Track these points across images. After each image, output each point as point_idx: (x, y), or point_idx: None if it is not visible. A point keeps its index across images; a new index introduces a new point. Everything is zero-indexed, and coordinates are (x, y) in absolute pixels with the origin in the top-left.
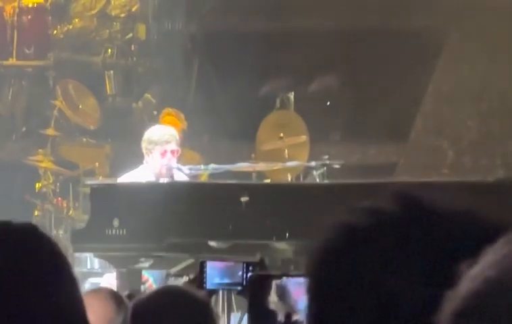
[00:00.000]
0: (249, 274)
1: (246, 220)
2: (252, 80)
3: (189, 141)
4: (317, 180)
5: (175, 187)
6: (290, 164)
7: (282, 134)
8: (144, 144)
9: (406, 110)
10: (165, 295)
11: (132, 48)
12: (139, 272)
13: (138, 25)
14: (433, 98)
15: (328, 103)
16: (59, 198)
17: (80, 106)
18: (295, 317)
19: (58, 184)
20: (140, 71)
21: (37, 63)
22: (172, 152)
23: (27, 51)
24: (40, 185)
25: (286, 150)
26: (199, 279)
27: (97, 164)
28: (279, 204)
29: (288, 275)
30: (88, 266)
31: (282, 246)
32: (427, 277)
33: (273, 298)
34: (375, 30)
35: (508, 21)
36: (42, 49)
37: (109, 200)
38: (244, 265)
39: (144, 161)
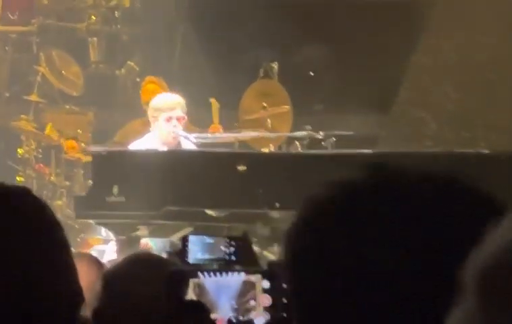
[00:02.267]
0: (171, 270)
1: (244, 189)
2: (236, 49)
3: None
4: (299, 150)
5: (174, 155)
6: (298, 134)
7: (265, 104)
8: (150, 112)
9: (389, 81)
10: (135, 262)
11: (116, 15)
12: (138, 239)
13: None
14: (415, 69)
15: (312, 74)
16: (41, 164)
17: (63, 73)
18: (213, 316)
19: (40, 150)
20: (124, 38)
21: (21, 29)
22: (178, 118)
23: (11, 17)
24: (22, 151)
25: (269, 120)
26: (182, 254)
27: (80, 131)
28: (277, 173)
29: (203, 271)
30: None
31: (279, 215)
32: (401, 246)
33: (190, 296)
34: (359, 2)
35: None
36: (26, 15)
37: (109, 167)
38: (227, 240)
39: (151, 129)
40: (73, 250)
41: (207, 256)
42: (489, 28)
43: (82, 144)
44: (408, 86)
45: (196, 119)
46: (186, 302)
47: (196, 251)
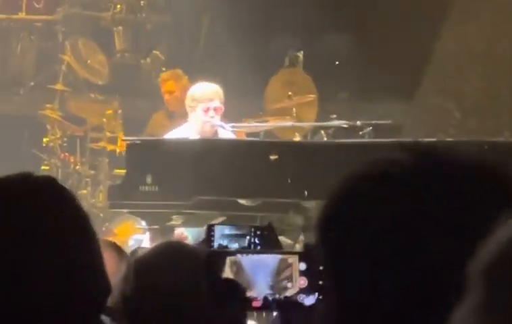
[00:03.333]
0: (208, 251)
1: (276, 178)
2: (261, 38)
3: None
4: (325, 139)
5: (206, 144)
6: (335, 123)
7: (290, 93)
8: (187, 102)
9: (413, 69)
10: (166, 250)
11: (142, 4)
12: (172, 229)
13: None
14: (439, 57)
15: (337, 63)
16: (66, 153)
17: (89, 62)
18: (250, 293)
19: (65, 139)
20: (149, 27)
21: (46, 18)
22: (215, 109)
23: (36, 6)
24: (47, 139)
25: (294, 109)
26: (207, 243)
27: (105, 120)
28: (309, 162)
29: (242, 252)
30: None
31: (311, 204)
32: (447, 228)
33: (227, 275)
34: None
35: None
36: (51, 4)
37: (143, 157)
38: (252, 230)
39: (188, 119)
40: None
41: (232, 245)
42: None
43: (107, 133)
44: (433, 73)
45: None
46: (221, 281)
47: (221, 240)
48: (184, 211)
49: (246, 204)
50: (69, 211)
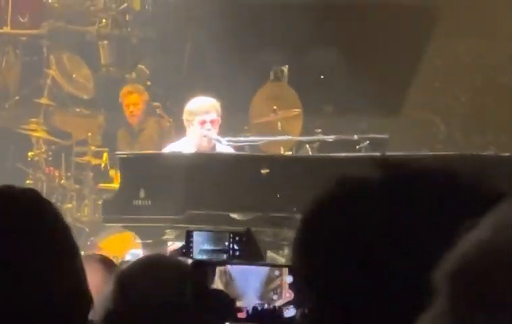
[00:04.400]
0: (197, 261)
1: (267, 192)
2: (246, 52)
3: (182, 113)
4: (310, 153)
5: (199, 158)
6: (329, 137)
7: (275, 107)
8: (184, 116)
9: (400, 84)
10: (149, 263)
11: (127, 18)
12: (165, 243)
13: None
14: (426, 72)
15: (322, 76)
16: (51, 168)
17: (74, 76)
18: (239, 303)
19: (50, 153)
20: (134, 41)
21: (31, 32)
22: (212, 121)
23: (21, 20)
24: (32, 154)
25: (279, 123)
26: (186, 248)
27: (90, 134)
28: (300, 176)
29: (231, 263)
30: None
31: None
32: (428, 236)
33: (217, 285)
34: (370, 4)
35: None
36: (36, 18)
37: (136, 171)
38: (231, 235)
39: (186, 134)
40: (82, 253)
41: (210, 248)
42: (500, 31)
43: (92, 148)
44: (419, 88)
45: None
46: (209, 291)
47: (201, 243)
48: (176, 225)
49: (238, 218)
50: (51, 224)
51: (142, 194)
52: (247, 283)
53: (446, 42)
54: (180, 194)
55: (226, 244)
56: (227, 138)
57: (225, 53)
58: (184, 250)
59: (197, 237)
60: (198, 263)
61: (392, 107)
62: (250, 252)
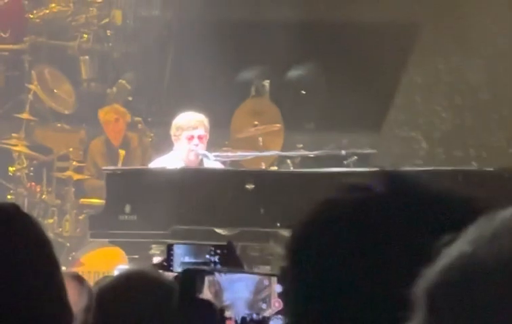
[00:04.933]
0: (186, 269)
1: (253, 207)
2: (227, 68)
3: (163, 128)
4: (291, 168)
5: (184, 173)
6: (318, 152)
7: (256, 122)
8: (172, 131)
9: (381, 100)
10: (129, 279)
11: (108, 33)
12: (150, 258)
13: (114, 10)
14: (407, 89)
15: (303, 92)
16: (33, 183)
17: (55, 91)
18: (228, 313)
19: (32, 168)
20: (116, 56)
21: (13, 47)
22: (200, 137)
23: (3, 35)
24: (13, 169)
25: (260, 139)
26: (167, 262)
27: (71, 149)
28: (285, 191)
29: (220, 271)
30: None
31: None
32: (409, 254)
33: (206, 294)
34: (351, 21)
35: (481, 15)
36: (18, 33)
37: (122, 186)
38: (212, 249)
39: (174, 148)
40: (64, 268)
41: (191, 260)
42: (481, 49)
43: (74, 163)
44: (400, 105)
45: None
46: (197, 301)
47: (181, 256)
48: (161, 241)
49: (223, 233)
50: (32, 239)
51: (127, 209)
52: (236, 293)
53: (427, 59)
54: (165, 209)
55: (207, 256)
56: (215, 153)
57: (207, 68)
58: (164, 264)
59: (178, 250)
60: (188, 271)
61: (373, 124)
62: (231, 265)
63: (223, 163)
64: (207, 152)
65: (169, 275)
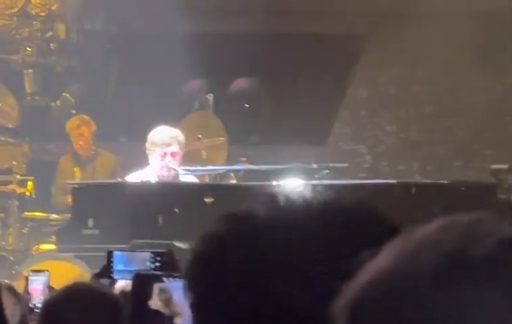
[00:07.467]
0: (134, 274)
1: (211, 220)
2: (170, 81)
3: (106, 142)
4: (235, 181)
5: (144, 187)
6: (290, 166)
7: (200, 135)
8: (147, 145)
9: (325, 113)
10: (75, 292)
11: (52, 47)
12: None
13: (58, 24)
14: (351, 102)
15: (247, 105)
16: None
17: None
18: (177, 320)
19: None
20: (59, 70)
21: None
22: (173, 154)
23: None
24: None
25: (204, 152)
26: (107, 268)
27: (15, 162)
28: (244, 204)
29: (169, 276)
30: None
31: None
32: (329, 270)
33: (155, 301)
34: (294, 34)
35: (427, 27)
36: None
37: (86, 200)
38: (152, 255)
39: (149, 162)
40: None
41: (131, 268)
42: (425, 62)
43: (17, 176)
44: (344, 118)
45: (130, 151)
46: (146, 309)
47: (120, 263)
48: None
49: (183, 247)
50: None
51: (90, 223)
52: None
53: (371, 72)
54: (125, 223)
55: (148, 264)
56: (184, 167)
57: (150, 82)
58: (104, 271)
59: (118, 257)
60: (139, 276)
61: (317, 137)
62: (170, 271)
63: (197, 176)
64: (177, 168)
65: (110, 283)
